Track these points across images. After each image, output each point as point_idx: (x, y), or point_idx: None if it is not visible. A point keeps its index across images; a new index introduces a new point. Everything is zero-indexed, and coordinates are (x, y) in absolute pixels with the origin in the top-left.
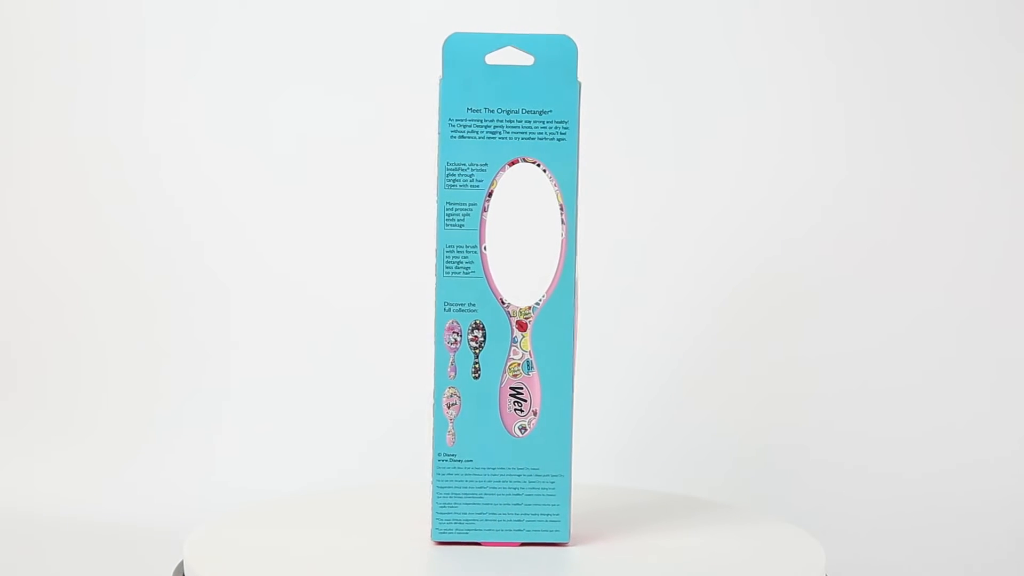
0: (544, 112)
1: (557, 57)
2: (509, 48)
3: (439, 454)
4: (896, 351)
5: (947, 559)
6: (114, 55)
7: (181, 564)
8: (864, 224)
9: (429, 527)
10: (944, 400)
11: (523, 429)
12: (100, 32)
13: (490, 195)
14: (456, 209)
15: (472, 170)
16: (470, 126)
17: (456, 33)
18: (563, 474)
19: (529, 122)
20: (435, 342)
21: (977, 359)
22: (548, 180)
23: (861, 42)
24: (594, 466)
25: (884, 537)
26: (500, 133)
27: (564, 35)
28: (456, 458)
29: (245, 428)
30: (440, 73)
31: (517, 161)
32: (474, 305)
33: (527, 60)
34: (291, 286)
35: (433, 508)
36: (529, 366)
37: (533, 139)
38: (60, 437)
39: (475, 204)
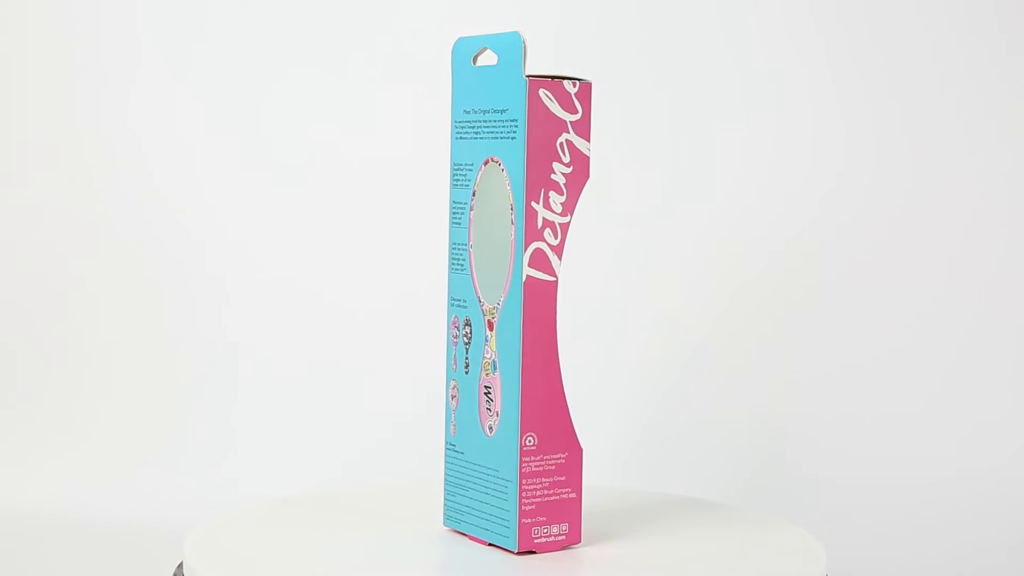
0: (503, 111)
1: (510, 55)
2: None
3: (448, 443)
4: (897, 356)
5: (946, 560)
6: (105, 51)
7: (181, 564)
8: (866, 223)
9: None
10: (945, 406)
11: (491, 428)
12: (94, 26)
13: (474, 194)
14: (457, 207)
15: (465, 170)
16: (465, 127)
17: (461, 38)
18: (511, 480)
19: (495, 122)
20: (447, 335)
21: (976, 365)
22: (504, 179)
23: (860, 43)
24: (597, 468)
25: (884, 538)
26: (480, 134)
27: (514, 32)
28: (456, 449)
29: (246, 429)
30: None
31: (488, 161)
32: (465, 301)
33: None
34: (296, 285)
35: (444, 494)
36: (495, 366)
37: (497, 139)
38: (62, 438)
39: (466, 203)
